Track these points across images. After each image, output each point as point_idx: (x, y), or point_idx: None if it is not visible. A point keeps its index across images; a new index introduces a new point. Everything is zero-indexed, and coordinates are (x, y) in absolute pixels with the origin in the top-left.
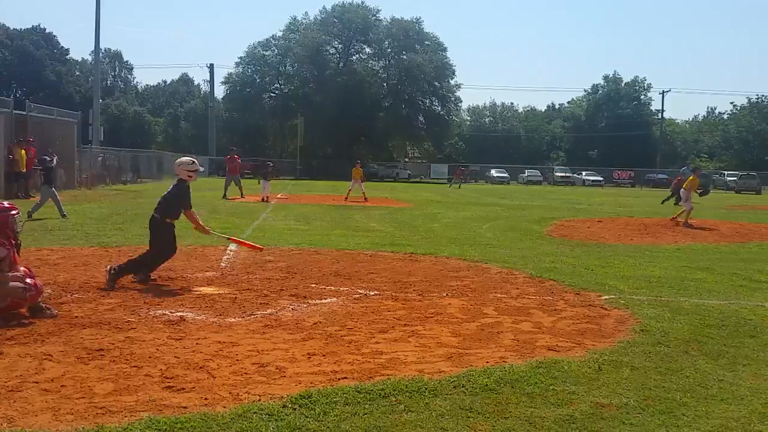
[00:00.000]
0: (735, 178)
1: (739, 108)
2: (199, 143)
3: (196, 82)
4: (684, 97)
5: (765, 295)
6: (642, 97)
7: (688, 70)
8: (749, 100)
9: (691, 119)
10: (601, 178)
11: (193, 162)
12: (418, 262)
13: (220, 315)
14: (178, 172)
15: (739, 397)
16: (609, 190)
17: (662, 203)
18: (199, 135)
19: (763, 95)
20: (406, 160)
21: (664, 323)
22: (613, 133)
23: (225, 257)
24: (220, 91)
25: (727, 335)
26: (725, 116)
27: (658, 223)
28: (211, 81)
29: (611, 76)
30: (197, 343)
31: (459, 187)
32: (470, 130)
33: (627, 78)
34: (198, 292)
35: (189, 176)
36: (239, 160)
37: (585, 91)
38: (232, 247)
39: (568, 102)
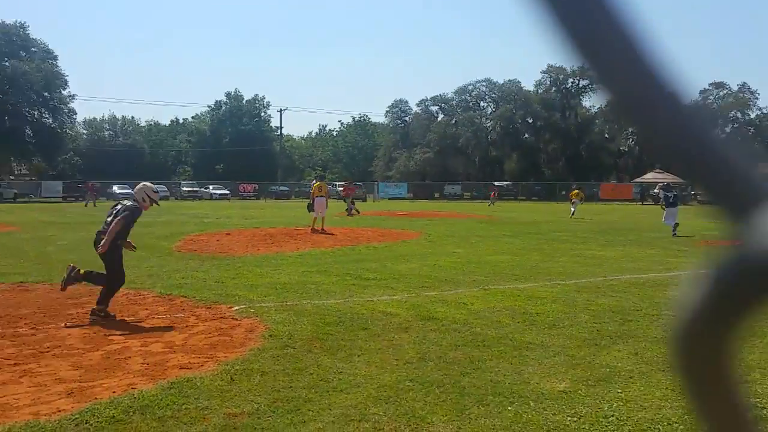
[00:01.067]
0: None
1: (345, 126)
2: None
3: None
4: (300, 115)
5: (373, 290)
6: (262, 114)
7: (303, 90)
8: (353, 118)
9: (306, 135)
10: (228, 192)
11: (157, 192)
12: (29, 292)
13: None
14: (136, 192)
15: (356, 386)
16: (236, 202)
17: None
18: None
19: (364, 114)
20: (12, 177)
21: (289, 326)
22: (238, 148)
23: None
24: None
25: (344, 330)
26: (334, 133)
27: (282, 232)
28: None
29: (233, 93)
30: None
31: (94, 205)
32: (88, 144)
33: (248, 96)
34: None
35: (144, 200)
36: None
37: (209, 106)
38: None
39: (193, 117)
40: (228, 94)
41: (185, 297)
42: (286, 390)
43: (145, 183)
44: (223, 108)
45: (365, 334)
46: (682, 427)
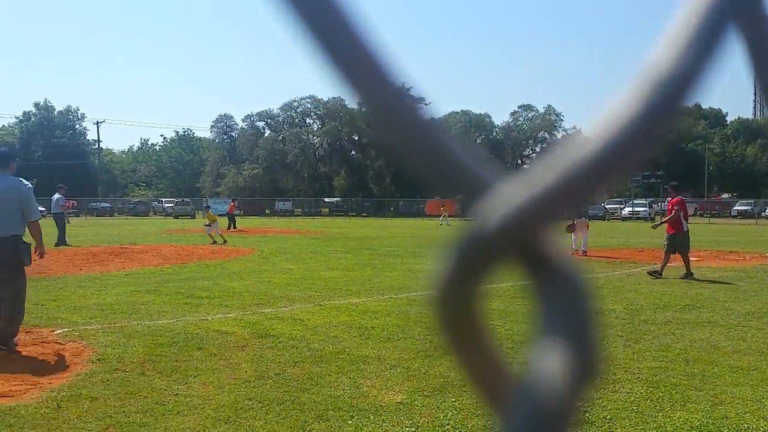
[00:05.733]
0: (172, 205)
1: (168, 140)
2: None
3: None
4: (119, 128)
5: (207, 309)
6: (77, 126)
7: (121, 102)
8: (177, 132)
9: (127, 149)
10: (43, 209)
11: None
12: None
13: None
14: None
15: (193, 407)
16: (51, 221)
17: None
18: None
19: (188, 128)
20: None
21: (119, 349)
22: (52, 162)
23: None
24: None
25: (178, 351)
26: (157, 147)
27: (105, 250)
28: None
29: (42, 103)
30: None
31: None
32: None
33: (60, 107)
34: None
35: None
36: None
37: (16, 117)
38: None
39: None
40: (37, 105)
41: None
42: (118, 415)
43: None
44: (33, 119)
45: (200, 354)
46: None
